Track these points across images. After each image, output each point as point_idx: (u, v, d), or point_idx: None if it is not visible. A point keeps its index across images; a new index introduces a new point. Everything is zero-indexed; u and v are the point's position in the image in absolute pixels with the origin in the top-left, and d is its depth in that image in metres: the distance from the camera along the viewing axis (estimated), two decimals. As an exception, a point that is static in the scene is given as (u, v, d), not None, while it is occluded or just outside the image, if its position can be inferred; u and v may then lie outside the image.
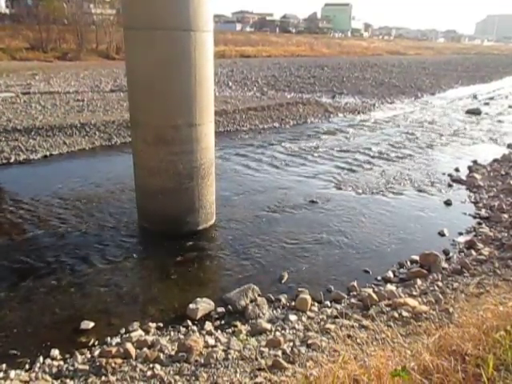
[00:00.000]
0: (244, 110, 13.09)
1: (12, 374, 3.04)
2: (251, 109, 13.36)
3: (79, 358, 3.23)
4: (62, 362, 3.20)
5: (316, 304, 4.10)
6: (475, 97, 19.88)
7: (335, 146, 10.27)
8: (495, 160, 9.29)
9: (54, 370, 3.12)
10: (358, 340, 3.03)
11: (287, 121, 12.97)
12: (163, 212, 5.41)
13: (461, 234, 5.79)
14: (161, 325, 3.73)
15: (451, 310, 3.54)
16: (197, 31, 4.87)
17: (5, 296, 4.10)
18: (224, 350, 3.25)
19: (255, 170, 8.35)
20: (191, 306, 3.90)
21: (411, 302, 3.87)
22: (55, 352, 3.32)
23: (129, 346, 3.28)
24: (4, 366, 3.14)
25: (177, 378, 2.93)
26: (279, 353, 3.17)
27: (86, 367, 3.09)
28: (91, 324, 3.70)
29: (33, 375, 3.04)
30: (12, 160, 8.25)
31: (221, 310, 3.96)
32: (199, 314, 3.84)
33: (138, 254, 5.07)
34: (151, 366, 3.08)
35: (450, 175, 8.28)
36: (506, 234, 5.52)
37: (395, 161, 9.21)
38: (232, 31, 57.70)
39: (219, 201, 6.11)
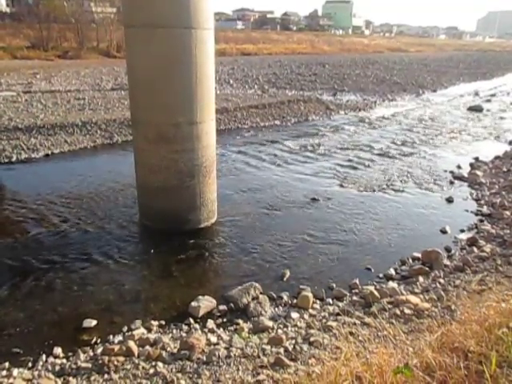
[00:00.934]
0: (245, 108, 13.08)
1: (15, 372, 3.05)
2: (252, 107, 13.35)
3: (82, 356, 3.24)
4: (64, 360, 3.21)
5: (318, 301, 4.10)
6: (477, 94, 19.83)
7: (336, 144, 10.26)
8: (497, 157, 9.26)
9: (57, 367, 3.12)
10: (360, 337, 3.03)
11: (288, 118, 12.96)
12: (165, 210, 5.42)
13: (463, 231, 5.78)
14: (163, 323, 3.73)
15: (453, 307, 3.54)
16: (197, 29, 4.85)
17: (7, 294, 4.11)
18: (226, 348, 3.25)
19: (256, 167, 8.35)
20: (193, 303, 3.91)
21: (413, 299, 3.87)
22: (58, 350, 3.33)
23: (131, 343, 3.28)
24: (7, 364, 3.15)
25: (179, 375, 2.94)
26: (281, 350, 3.17)
27: (89, 365, 3.09)
28: (93, 322, 3.70)
29: (36, 373, 3.05)
30: (14, 159, 8.26)
31: (223, 307, 3.96)
32: (201, 312, 3.84)
33: (140, 252, 5.08)
34: (153, 363, 3.09)
35: (451, 172, 8.26)
36: (507, 231, 5.50)
37: (397, 158, 9.19)
38: (232, 29, 57.67)
39: (221, 199, 6.11)
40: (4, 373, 3.05)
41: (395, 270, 4.77)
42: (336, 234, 5.59)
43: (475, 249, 5.12)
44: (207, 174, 5.49)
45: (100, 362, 3.10)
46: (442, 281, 4.36)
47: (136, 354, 3.21)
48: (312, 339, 3.26)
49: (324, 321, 3.68)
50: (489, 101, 17.68)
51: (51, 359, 3.22)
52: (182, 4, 4.72)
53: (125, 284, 4.36)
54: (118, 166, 8.10)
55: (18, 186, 7.01)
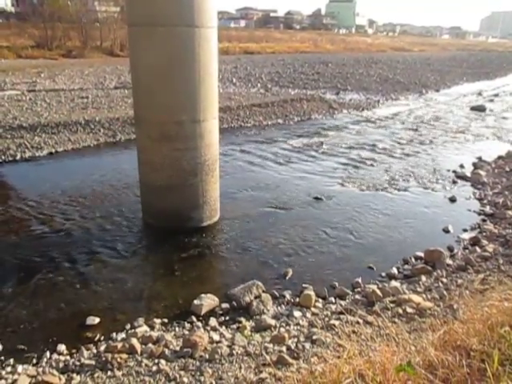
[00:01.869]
0: (248, 107, 13.08)
1: (19, 368, 3.07)
2: (255, 105, 13.34)
3: (85, 353, 3.26)
4: (68, 357, 3.23)
5: (320, 300, 4.10)
6: (480, 93, 19.77)
7: (339, 143, 10.26)
8: (500, 157, 9.24)
9: (61, 364, 3.14)
10: (363, 336, 3.02)
11: (291, 117, 12.95)
12: (167, 208, 5.43)
13: (465, 230, 5.78)
14: (166, 320, 3.75)
15: (456, 306, 3.53)
16: (201, 27, 4.86)
17: (12, 292, 4.14)
18: (229, 346, 3.26)
19: (259, 166, 8.35)
20: (196, 301, 3.92)
21: (416, 298, 3.87)
22: (62, 347, 3.34)
23: (134, 341, 3.30)
24: (12, 360, 3.17)
25: (182, 373, 2.95)
26: (284, 348, 3.18)
27: (92, 362, 3.11)
28: (97, 320, 3.72)
29: (40, 370, 3.07)
30: (18, 157, 8.30)
31: (225, 306, 3.97)
32: (204, 310, 3.85)
33: (143, 250, 5.10)
34: (156, 361, 3.10)
35: (454, 172, 8.25)
36: (510, 231, 5.49)
37: (399, 157, 9.18)
38: (236, 27, 57.62)
39: (223, 197, 6.12)
40: (9, 369, 3.08)
41: (398, 269, 4.77)
42: (338, 232, 5.59)
43: (478, 248, 5.11)
44: (210, 172, 5.50)
45: (103, 359, 3.12)
46: (444, 280, 4.36)
47: (139, 351, 3.23)
48: (314, 337, 3.27)
49: (326, 319, 3.69)
50: (492, 101, 17.62)
51: (55, 356, 3.25)
52: (185, 3, 4.72)
53: (127, 282, 4.38)
54: (120, 164, 8.11)
55: (22, 184, 7.04)
